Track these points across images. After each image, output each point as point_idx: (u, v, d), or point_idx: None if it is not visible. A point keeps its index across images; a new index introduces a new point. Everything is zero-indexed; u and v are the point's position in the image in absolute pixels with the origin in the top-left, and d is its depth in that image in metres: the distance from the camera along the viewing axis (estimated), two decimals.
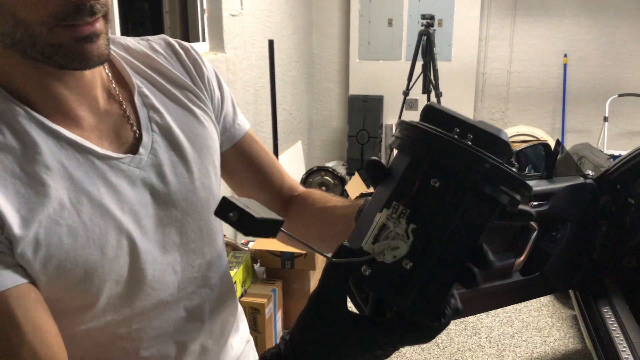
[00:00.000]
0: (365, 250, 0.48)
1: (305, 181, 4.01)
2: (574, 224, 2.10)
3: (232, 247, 2.73)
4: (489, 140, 0.46)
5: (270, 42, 3.04)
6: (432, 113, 0.49)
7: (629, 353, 1.92)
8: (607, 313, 2.19)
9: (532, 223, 1.93)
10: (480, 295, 1.82)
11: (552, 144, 4.29)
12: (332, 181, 4.01)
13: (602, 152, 2.93)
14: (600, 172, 2.21)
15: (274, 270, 2.68)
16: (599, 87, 4.32)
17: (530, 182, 1.96)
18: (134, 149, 0.68)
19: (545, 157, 2.12)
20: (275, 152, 3.23)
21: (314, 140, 4.99)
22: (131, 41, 0.77)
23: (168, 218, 0.70)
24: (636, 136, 4.27)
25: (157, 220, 0.68)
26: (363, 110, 4.51)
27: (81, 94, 0.65)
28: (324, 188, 4.01)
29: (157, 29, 3.21)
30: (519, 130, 4.40)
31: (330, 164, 4.59)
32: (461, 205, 0.46)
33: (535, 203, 1.99)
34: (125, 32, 2.62)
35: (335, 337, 0.50)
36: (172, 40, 0.80)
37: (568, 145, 4.30)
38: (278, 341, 0.55)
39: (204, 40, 3.05)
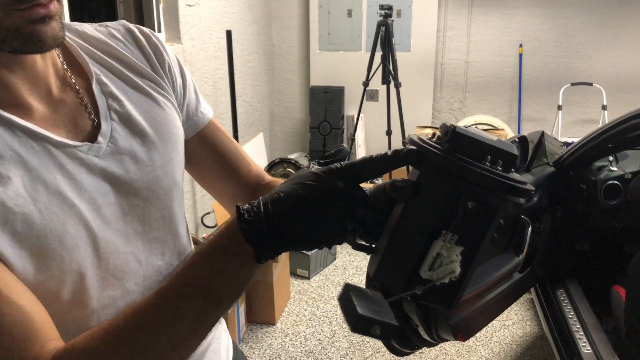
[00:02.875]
0: (424, 277, 0.55)
1: (270, 168, 3.98)
2: (552, 212, 2.16)
3: (192, 241, 2.70)
4: (511, 160, 0.55)
5: (228, 33, 3.00)
6: (458, 139, 0.54)
7: (582, 333, 1.99)
8: (562, 295, 2.27)
9: (524, 217, 1.96)
10: (490, 305, 1.85)
11: (509, 132, 4.38)
12: (294, 173, 4.00)
13: (556, 139, 3.01)
14: (554, 159, 2.27)
15: None
16: (553, 77, 4.44)
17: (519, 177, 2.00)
18: (92, 137, 0.67)
19: (521, 150, 2.15)
20: None
21: (275, 132, 4.97)
22: (89, 28, 0.75)
23: (130, 207, 0.69)
24: (588, 124, 4.41)
25: (119, 209, 0.68)
26: (324, 102, 4.51)
27: (33, 83, 0.64)
28: None
29: (111, 20, 3.12)
30: (477, 119, 4.47)
31: (292, 156, 4.57)
32: (494, 221, 0.54)
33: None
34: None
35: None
36: (132, 27, 0.78)
37: (524, 133, 4.40)
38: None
39: (159, 31, 2.98)
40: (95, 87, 0.70)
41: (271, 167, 4.00)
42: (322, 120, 4.51)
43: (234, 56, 3.45)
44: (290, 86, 4.87)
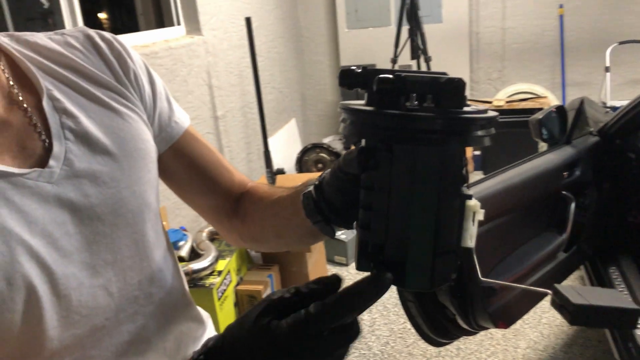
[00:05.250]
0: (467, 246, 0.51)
1: (300, 160, 3.92)
2: (597, 186, 2.01)
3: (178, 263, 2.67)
4: (438, 89, 0.44)
5: (248, 20, 2.93)
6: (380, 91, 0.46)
7: None
8: (614, 273, 2.11)
9: (566, 193, 1.83)
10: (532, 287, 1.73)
11: (553, 99, 4.15)
12: (328, 157, 3.92)
13: (601, 105, 2.81)
14: (598, 127, 2.10)
15: (270, 255, 2.63)
16: (598, 36, 4.15)
17: (559, 152, 1.87)
18: (43, 161, 0.60)
19: (559, 121, 1.99)
20: (264, 133, 3.15)
21: (308, 116, 4.89)
22: (41, 37, 0.68)
23: (94, 235, 0.62)
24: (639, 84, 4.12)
25: (82, 239, 0.60)
26: None
27: None
28: (320, 165, 3.93)
29: (130, 15, 3.10)
30: (518, 88, 4.26)
31: (327, 140, 4.49)
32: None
33: (566, 174, 1.90)
34: (92, 22, 2.52)
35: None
36: (91, 32, 0.71)
37: (569, 99, 4.16)
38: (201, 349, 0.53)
39: (178, 24, 2.94)
40: (46, 103, 0.62)
41: (304, 153, 3.94)
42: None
43: (259, 43, 3.38)
44: (320, 68, 4.77)
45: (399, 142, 0.45)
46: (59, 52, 0.67)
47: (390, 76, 0.44)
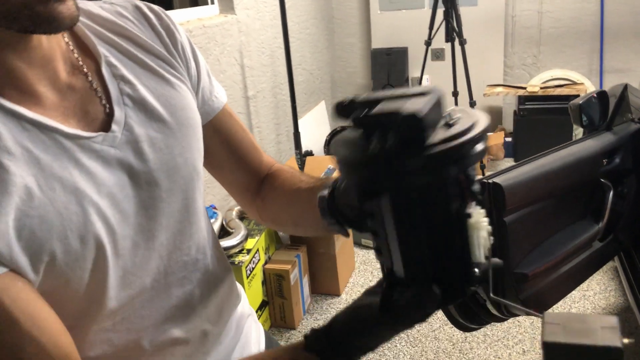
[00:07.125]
0: (479, 262, 0.53)
1: (329, 142, 3.91)
2: (637, 174, 1.96)
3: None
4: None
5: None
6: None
7: None
8: None
9: (605, 181, 1.79)
10: (566, 278, 1.71)
11: (590, 86, 4.04)
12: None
13: None
14: None
15: (299, 236, 2.64)
16: None
17: (599, 139, 1.82)
18: (105, 126, 0.62)
19: (600, 107, 1.94)
20: (294, 115, 3.14)
21: (338, 99, 4.85)
22: (93, 5, 0.69)
23: (151, 199, 0.64)
24: None
25: (139, 202, 0.63)
26: (387, 64, 4.34)
27: (40, 66, 0.58)
28: None
29: None
30: (553, 74, 4.16)
31: None
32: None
33: (605, 161, 1.85)
34: None
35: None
36: (140, 3, 0.72)
37: (607, 86, 4.03)
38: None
39: (212, 2, 2.94)
40: (105, 70, 0.64)
41: (333, 136, 3.92)
42: (385, 84, 4.35)
43: (291, 23, 3.36)
44: (351, 50, 4.72)
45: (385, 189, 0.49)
46: (112, 20, 0.68)
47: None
